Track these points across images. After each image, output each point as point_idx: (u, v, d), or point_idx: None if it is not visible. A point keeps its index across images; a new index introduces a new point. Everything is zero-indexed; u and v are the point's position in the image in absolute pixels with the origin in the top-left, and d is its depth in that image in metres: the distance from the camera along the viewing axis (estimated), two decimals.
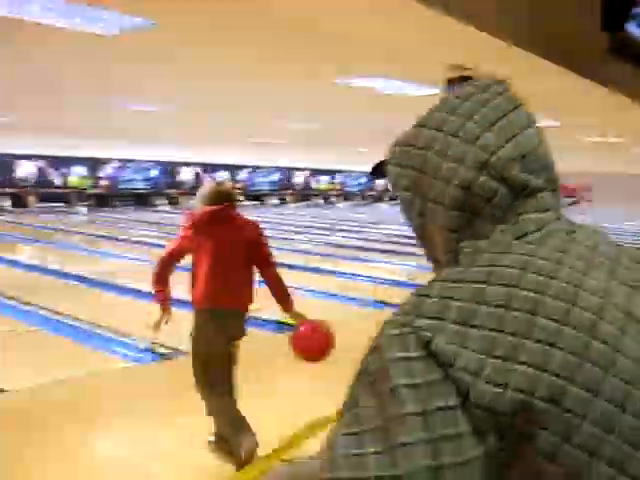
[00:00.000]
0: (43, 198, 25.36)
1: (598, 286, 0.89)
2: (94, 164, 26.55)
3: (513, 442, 0.82)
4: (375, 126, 13.61)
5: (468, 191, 0.95)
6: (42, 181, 25.53)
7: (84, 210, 25.10)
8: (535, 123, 1.01)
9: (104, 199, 26.80)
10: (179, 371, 4.57)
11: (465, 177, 0.95)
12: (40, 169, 25.44)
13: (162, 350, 4.75)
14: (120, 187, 27.45)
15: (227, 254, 3.87)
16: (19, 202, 24.78)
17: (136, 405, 5.03)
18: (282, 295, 4.04)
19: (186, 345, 4.19)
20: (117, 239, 16.06)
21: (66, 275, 10.60)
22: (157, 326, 3.98)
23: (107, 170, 27.11)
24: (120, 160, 27.06)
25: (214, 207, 3.93)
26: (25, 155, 24.63)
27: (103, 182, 27.03)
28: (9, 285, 9.54)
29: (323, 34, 5.76)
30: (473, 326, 0.84)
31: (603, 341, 0.84)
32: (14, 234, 16.95)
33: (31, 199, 25.09)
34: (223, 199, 3.97)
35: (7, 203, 24.51)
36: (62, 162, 25.75)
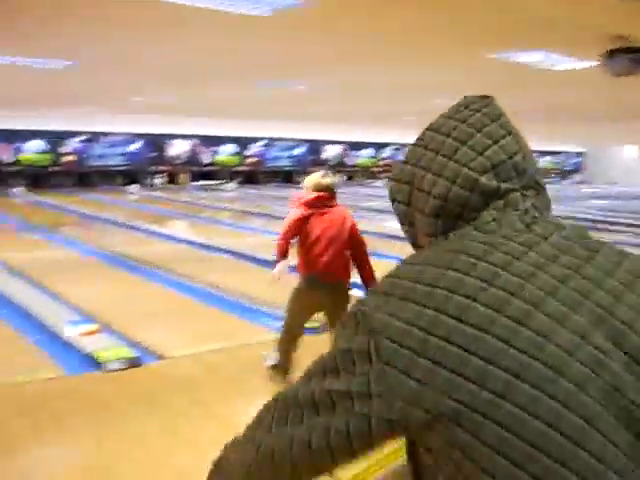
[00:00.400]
0: (194, 175, 26.39)
1: (525, 269, 0.98)
2: (242, 142, 27.32)
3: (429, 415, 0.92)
4: (528, 103, 13.26)
5: (445, 201, 1.08)
6: (193, 159, 26.55)
7: (232, 187, 25.87)
8: (512, 134, 1.12)
9: (251, 176, 27.57)
10: (321, 344, 4.68)
11: (442, 189, 1.09)
12: (192, 148, 26.45)
13: (306, 325, 4.92)
14: (267, 165, 28.16)
15: (326, 233, 4.58)
16: (172, 179, 25.92)
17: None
18: (368, 274, 4.66)
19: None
20: (263, 215, 16.49)
21: (215, 249, 11.04)
22: (274, 279, 4.71)
23: (254, 148, 27.82)
24: (267, 138, 27.70)
25: (319, 194, 4.63)
26: (177, 134, 25.68)
27: (250, 160, 27.79)
28: (164, 258, 10.05)
29: (481, 7, 5.66)
30: (410, 301, 0.97)
31: (511, 317, 0.92)
32: (168, 210, 17.76)
33: (183, 176, 26.17)
34: (325, 188, 4.65)
35: (162, 180, 25.70)
36: (212, 141, 26.67)
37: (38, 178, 23.38)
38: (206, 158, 26.86)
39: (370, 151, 30.58)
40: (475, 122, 1.11)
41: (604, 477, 0.87)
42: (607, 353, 0.93)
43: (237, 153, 27.47)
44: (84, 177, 24.27)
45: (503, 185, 1.07)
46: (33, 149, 23.58)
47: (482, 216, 1.07)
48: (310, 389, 1.04)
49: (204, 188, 25.04)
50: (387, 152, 31.04)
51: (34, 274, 8.64)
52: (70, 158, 24.10)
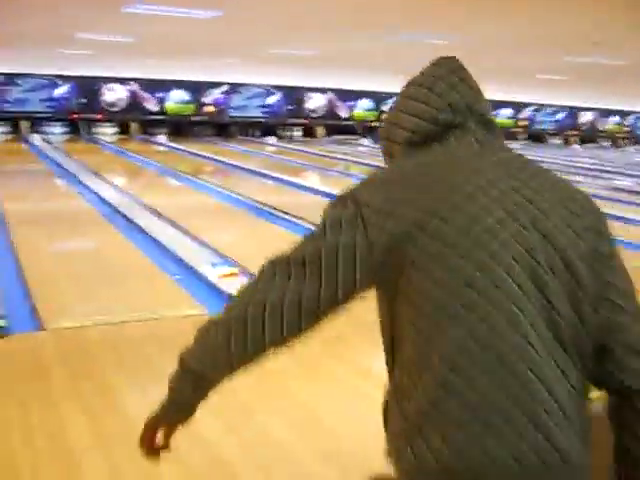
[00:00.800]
0: (330, 129, 26.53)
1: (474, 169, 1.44)
2: (378, 98, 27.16)
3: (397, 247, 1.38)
4: None
5: (414, 133, 1.53)
6: (330, 113, 26.66)
7: (367, 142, 25.85)
8: (466, 82, 1.54)
9: None
10: None
11: (413, 124, 1.53)
12: (329, 101, 26.54)
13: None
14: None
15: None
16: (308, 132, 26.16)
17: None
18: None
19: None
20: None
21: None
22: None
23: (390, 104, 27.57)
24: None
25: None
26: (315, 88, 25.80)
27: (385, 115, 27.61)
28: (299, 207, 10.19)
29: None
30: (388, 184, 1.47)
31: (462, 195, 1.38)
32: (304, 162, 17.97)
33: (319, 130, 26.35)
34: None
35: (298, 133, 26.02)
36: (349, 95, 26.66)
37: (180, 127, 24.19)
38: (342, 112, 26.91)
39: (509, 111, 29.48)
40: (439, 74, 1.54)
41: (506, 302, 1.33)
42: (527, 229, 1.36)
43: (373, 108, 27.37)
44: (223, 127, 24.89)
45: (458, 119, 1.50)
46: (176, 99, 24.36)
47: (444, 139, 1.50)
48: (301, 251, 1.45)
49: (339, 142, 25.13)
50: (526, 113, 29.98)
51: (176, 217, 8.99)
52: (211, 108, 24.75)
